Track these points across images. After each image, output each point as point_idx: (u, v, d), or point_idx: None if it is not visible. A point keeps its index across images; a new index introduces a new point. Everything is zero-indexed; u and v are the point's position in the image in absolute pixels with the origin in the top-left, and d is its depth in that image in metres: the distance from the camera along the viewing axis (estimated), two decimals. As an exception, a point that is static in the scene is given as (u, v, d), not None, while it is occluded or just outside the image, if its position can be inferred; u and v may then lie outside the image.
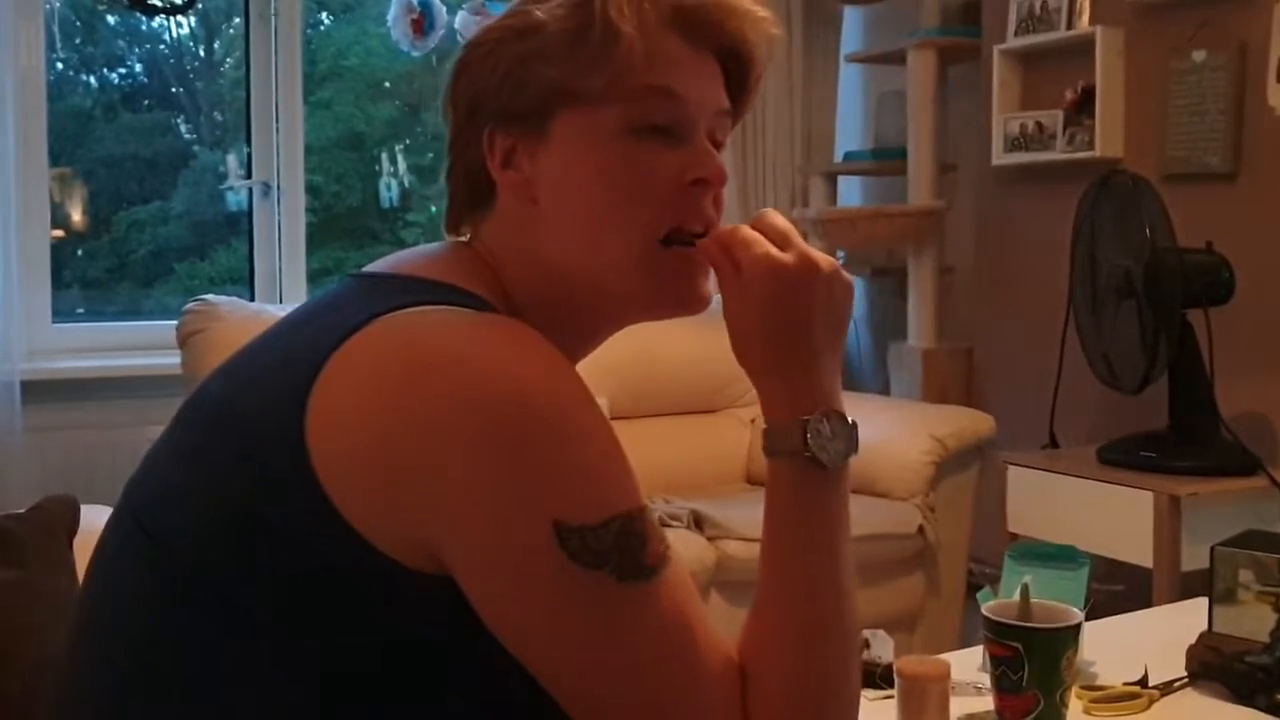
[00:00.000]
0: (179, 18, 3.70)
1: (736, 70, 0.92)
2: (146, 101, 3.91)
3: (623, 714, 0.76)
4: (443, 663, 0.77)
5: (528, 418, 0.73)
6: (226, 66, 3.94)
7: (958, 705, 1.26)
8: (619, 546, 0.74)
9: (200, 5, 3.52)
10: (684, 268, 0.88)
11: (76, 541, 1.39)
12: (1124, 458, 2.64)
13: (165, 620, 0.77)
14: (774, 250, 0.82)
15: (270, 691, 0.75)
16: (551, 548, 0.73)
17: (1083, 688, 1.34)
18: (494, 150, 0.88)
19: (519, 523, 0.73)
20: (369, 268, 0.90)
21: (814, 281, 0.82)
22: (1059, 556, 1.44)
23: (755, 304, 0.83)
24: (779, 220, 0.85)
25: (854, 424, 0.84)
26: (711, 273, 0.87)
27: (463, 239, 0.92)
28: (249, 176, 3.49)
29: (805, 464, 0.82)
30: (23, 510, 1.40)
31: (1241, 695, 1.33)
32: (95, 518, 1.18)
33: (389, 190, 3.98)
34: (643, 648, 0.75)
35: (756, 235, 0.83)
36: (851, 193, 4.06)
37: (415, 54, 3.50)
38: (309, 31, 3.89)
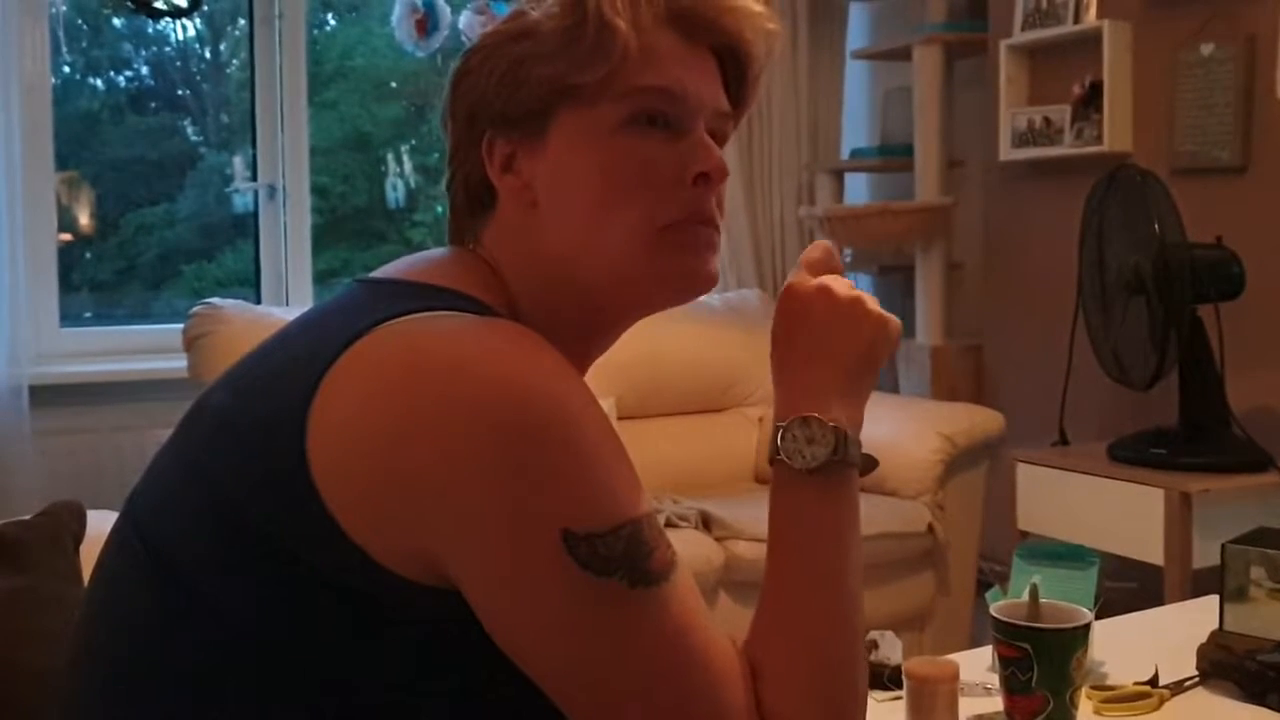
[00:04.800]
0: (184, 20, 3.70)
1: (735, 68, 0.92)
2: (153, 104, 3.91)
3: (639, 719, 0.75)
4: (444, 675, 0.76)
5: (532, 424, 0.72)
6: (232, 68, 3.94)
7: (967, 706, 1.26)
8: (629, 553, 0.73)
9: (205, 7, 3.52)
10: (690, 247, 0.87)
11: (83, 548, 1.39)
12: (1134, 455, 2.63)
13: (162, 630, 0.77)
14: (794, 277, 0.90)
15: (268, 703, 0.74)
16: (561, 556, 0.72)
17: (1093, 688, 1.33)
18: (493, 156, 0.88)
19: (526, 532, 0.72)
20: (374, 273, 0.89)
21: (805, 297, 0.88)
22: (1068, 555, 1.43)
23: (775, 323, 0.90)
24: (816, 253, 0.91)
25: (836, 428, 0.83)
26: (718, 251, 0.90)
27: (467, 246, 0.92)
28: (255, 178, 3.50)
29: (786, 468, 0.84)
30: (29, 516, 1.40)
31: (1253, 694, 1.33)
32: (102, 523, 1.17)
33: (395, 191, 3.98)
34: (657, 652, 0.74)
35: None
36: (858, 190, 4.05)
37: (420, 54, 3.50)
38: (314, 32, 3.89)
